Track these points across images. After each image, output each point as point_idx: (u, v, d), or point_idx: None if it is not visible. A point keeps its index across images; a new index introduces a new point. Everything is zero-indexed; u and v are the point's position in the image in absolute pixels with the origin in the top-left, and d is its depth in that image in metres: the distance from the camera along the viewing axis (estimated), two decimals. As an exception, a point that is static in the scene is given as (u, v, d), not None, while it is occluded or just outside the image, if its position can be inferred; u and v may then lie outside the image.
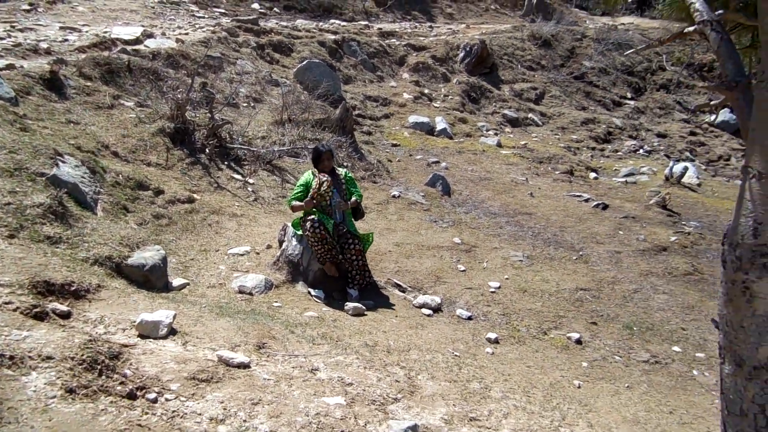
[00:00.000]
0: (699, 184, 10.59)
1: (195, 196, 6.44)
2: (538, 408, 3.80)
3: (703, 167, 12.36)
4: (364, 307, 5.03)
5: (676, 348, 5.24)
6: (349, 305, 4.99)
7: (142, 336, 3.43)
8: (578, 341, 5.13)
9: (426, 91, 13.46)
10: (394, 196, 8.04)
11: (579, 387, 4.34)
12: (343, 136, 8.79)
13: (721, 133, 14.11)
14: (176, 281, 4.86)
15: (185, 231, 5.82)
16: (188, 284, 4.91)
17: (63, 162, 5.31)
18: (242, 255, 5.63)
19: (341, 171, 5.69)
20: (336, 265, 5.46)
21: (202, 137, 7.37)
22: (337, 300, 5.28)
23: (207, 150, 7.28)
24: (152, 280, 4.62)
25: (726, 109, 14.99)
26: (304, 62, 11.13)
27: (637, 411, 4.13)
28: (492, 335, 4.94)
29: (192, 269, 5.24)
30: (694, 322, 5.72)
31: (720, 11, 2.13)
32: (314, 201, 5.33)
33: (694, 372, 4.90)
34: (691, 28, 2.12)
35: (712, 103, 2.54)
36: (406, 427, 2.98)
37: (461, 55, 14.99)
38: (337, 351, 3.90)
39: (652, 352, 5.12)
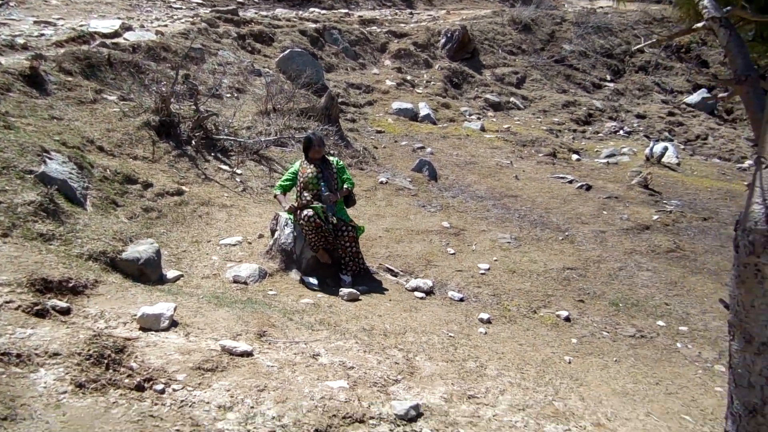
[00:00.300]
0: (678, 164, 10.81)
1: (183, 188, 6.45)
2: (532, 384, 3.93)
3: (682, 147, 12.60)
4: (358, 293, 5.12)
5: (660, 322, 5.42)
6: (344, 291, 5.08)
7: (143, 329, 3.47)
8: (567, 319, 5.29)
9: (408, 77, 13.49)
10: (381, 183, 8.11)
11: (569, 362, 4.49)
12: (329, 124, 8.81)
13: (699, 113, 14.37)
14: (170, 273, 4.90)
15: (176, 223, 5.84)
16: (182, 276, 4.95)
17: (50, 159, 5.29)
18: (234, 245, 5.68)
19: (333, 159, 5.74)
20: (329, 252, 5.54)
21: (187, 129, 7.35)
22: (331, 286, 5.36)
23: (193, 142, 7.27)
24: (147, 273, 4.65)
25: (703, 89, 15.24)
26: (286, 51, 11.08)
27: (625, 383, 4.28)
28: (484, 315, 5.06)
29: (185, 261, 5.27)
30: (677, 298, 5.91)
31: (727, 8, 2.21)
32: (295, 209, 5.39)
33: (678, 345, 5.08)
34: (700, 25, 2.22)
35: (720, 96, 2.65)
36: (408, 406, 3.08)
37: (442, 41, 15.01)
38: (336, 336, 3.98)
39: (638, 327, 5.29)
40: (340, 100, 10.79)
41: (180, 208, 6.07)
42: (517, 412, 3.47)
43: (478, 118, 12.45)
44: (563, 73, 15.93)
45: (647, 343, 5.06)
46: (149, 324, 3.49)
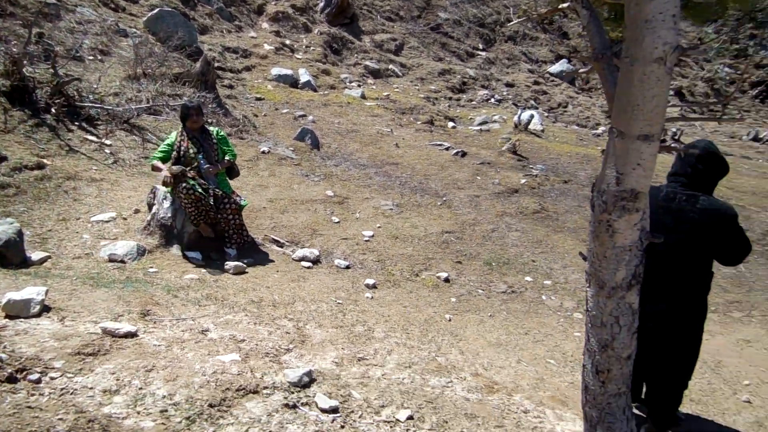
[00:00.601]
0: (543, 130, 11.68)
1: (45, 161, 5.92)
2: (416, 342, 4.20)
3: (546, 114, 13.60)
4: (244, 265, 5.08)
5: (528, 278, 5.95)
6: (230, 264, 5.01)
7: (10, 317, 3.24)
8: (446, 280, 5.64)
9: (287, 42, 13.17)
10: (263, 152, 7.97)
11: (450, 320, 4.83)
12: (205, 91, 8.43)
13: (560, 82, 15.53)
14: (35, 255, 4.54)
15: (38, 200, 5.38)
16: (50, 257, 4.61)
17: None
18: (107, 222, 5.35)
19: (213, 129, 5.55)
20: (211, 226, 5.41)
21: (45, 96, 6.69)
22: (216, 260, 5.26)
23: (53, 110, 6.64)
24: (8, 256, 4.28)
25: (563, 59, 16.45)
26: (155, 10, 10.33)
27: (499, 335, 4.70)
28: (370, 281, 5.26)
29: (51, 241, 4.90)
30: (542, 255, 6.50)
31: None
32: (170, 179, 5.15)
33: (543, 297, 5.64)
34: (566, 5, 2.42)
35: (581, 71, 2.90)
36: (301, 373, 3.17)
37: (321, 4, 14.77)
38: (225, 310, 3.96)
39: (509, 284, 5.78)
40: (216, 64, 10.32)
41: (42, 183, 5.58)
42: (404, 369, 3.70)
43: (359, 86, 12.52)
44: (439, 41, 16.39)
45: (517, 297, 5.56)
46: (17, 311, 3.25)
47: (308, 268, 5.41)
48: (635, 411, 3.80)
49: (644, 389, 3.62)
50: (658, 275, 3.28)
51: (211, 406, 2.81)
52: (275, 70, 11.53)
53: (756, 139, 14.86)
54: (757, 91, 18.94)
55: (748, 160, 12.76)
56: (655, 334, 3.34)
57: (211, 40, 11.63)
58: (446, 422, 3.17)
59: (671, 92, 17.47)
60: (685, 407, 3.94)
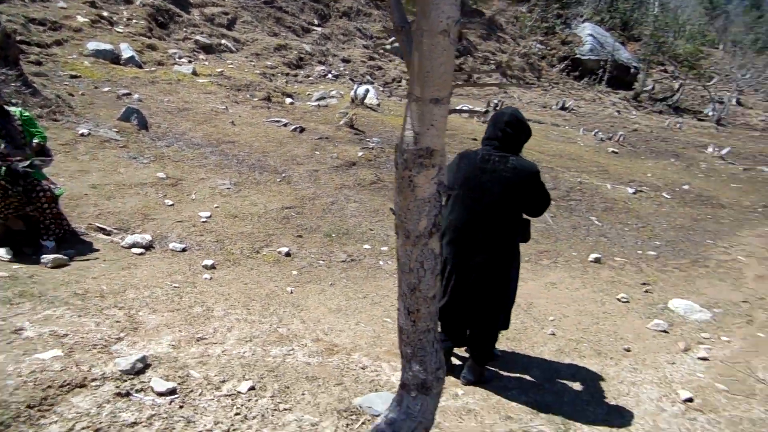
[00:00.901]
0: (378, 104, 12.10)
1: None
2: (257, 317, 4.25)
3: (381, 89, 14.08)
4: (65, 257, 4.71)
5: (366, 246, 6.25)
6: (47, 257, 4.61)
7: None
8: (287, 254, 5.72)
9: (105, 13, 12.07)
10: (82, 135, 7.33)
11: (291, 292, 4.93)
12: (6, 67, 7.48)
13: (394, 57, 16.11)
14: None
15: None
16: None
17: None
18: None
19: (14, 110, 4.98)
20: (22, 218, 4.91)
21: None
22: (30, 255, 4.80)
23: None
24: None
25: (395, 35, 17.06)
26: (-69, -26, 8.87)
27: (339, 302, 4.92)
28: (208, 262, 5.17)
29: None
30: (379, 223, 6.84)
31: None
32: None
33: (381, 263, 5.97)
34: None
35: (387, 42, 3.08)
36: (134, 360, 3.09)
37: (140, -27, 13.69)
38: (43, 306, 3.67)
39: (349, 253, 6.02)
40: (18, 38, 9.18)
41: None
42: (244, 343, 3.75)
43: (190, 61, 11.92)
44: (273, 16, 16.09)
45: (356, 265, 5.82)
46: None
47: (140, 254, 5.17)
48: (462, 353, 4.25)
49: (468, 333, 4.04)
50: (478, 230, 3.68)
51: (29, 407, 2.64)
52: (92, 45, 10.55)
53: (563, 108, 16.77)
54: (564, 65, 21.31)
55: (557, 127, 14.40)
56: (476, 284, 3.75)
57: (11, 9, 10.29)
58: (288, 387, 3.30)
59: (493, 65, 19.00)
60: (502, 345, 4.48)
